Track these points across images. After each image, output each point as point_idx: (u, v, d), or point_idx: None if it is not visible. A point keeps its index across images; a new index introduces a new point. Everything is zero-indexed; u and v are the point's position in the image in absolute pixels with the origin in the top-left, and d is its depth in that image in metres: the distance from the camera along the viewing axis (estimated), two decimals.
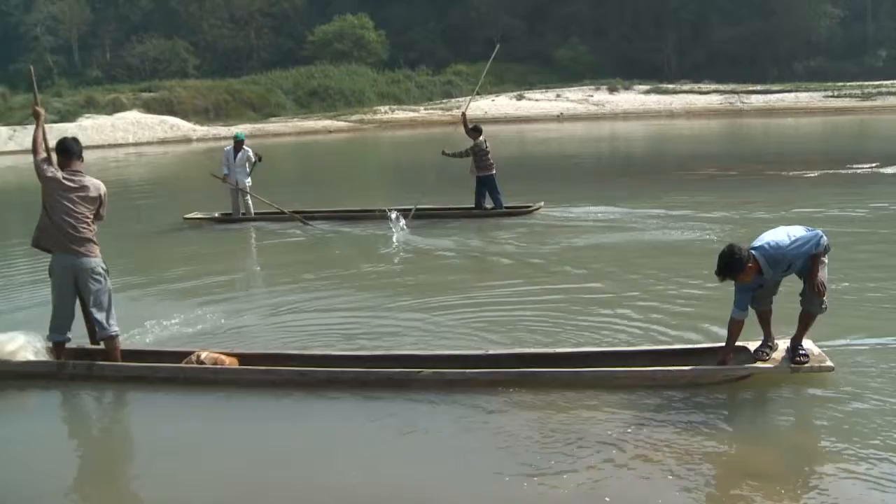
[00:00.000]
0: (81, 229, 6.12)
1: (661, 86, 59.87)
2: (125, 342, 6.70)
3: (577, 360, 5.89)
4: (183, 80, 64.58)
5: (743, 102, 54.06)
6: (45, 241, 6.24)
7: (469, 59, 68.65)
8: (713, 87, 57.99)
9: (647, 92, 59.03)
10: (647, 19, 68.37)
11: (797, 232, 5.51)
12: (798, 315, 5.71)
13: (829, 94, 53.47)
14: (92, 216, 6.25)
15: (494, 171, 13.75)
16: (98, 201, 6.29)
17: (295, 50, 69.86)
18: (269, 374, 5.87)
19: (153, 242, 13.99)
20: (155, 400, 6.00)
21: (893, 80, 54.00)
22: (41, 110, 6.51)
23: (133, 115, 56.54)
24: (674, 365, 5.68)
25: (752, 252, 5.40)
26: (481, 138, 13.72)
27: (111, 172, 31.01)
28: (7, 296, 9.23)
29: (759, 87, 56.29)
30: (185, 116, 56.68)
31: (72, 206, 6.10)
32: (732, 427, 5.16)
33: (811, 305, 5.58)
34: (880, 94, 51.94)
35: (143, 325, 7.82)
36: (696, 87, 58.93)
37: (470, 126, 13.99)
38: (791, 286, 5.85)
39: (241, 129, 16.33)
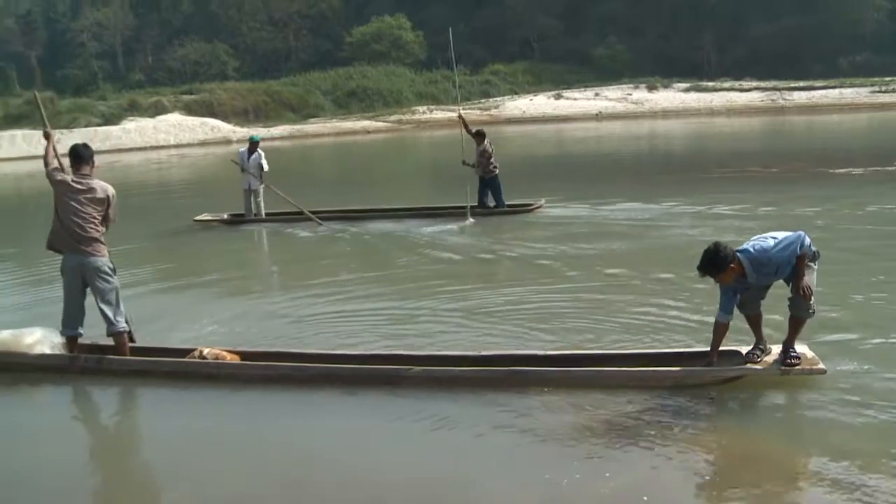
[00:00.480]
0: (89, 229, 6.36)
1: (700, 83, 59.14)
2: (171, 337, 6.93)
3: (570, 361, 5.91)
4: (223, 82, 65.41)
5: (785, 99, 53.19)
6: (57, 243, 6.49)
7: (506, 58, 68.71)
8: (754, 84, 57.12)
9: (687, 90, 58.38)
10: (685, 16, 67.55)
11: (781, 234, 5.42)
12: (787, 321, 5.65)
13: (876, 89, 51.84)
14: (100, 217, 6.47)
15: (497, 172, 14.02)
16: (105, 203, 6.49)
17: (333, 51, 70.27)
18: (266, 369, 6.05)
19: (189, 241, 14.22)
20: (159, 393, 6.20)
21: None
22: (51, 132, 6.76)
23: (174, 118, 57.34)
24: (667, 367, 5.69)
25: (738, 254, 5.31)
26: (486, 142, 13.97)
27: (154, 174, 31.47)
28: (30, 291, 9.62)
29: (801, 84, 55.20)
30: (225, 118, 57.32)
31: (79, 208, 6.35)
32: (723, 428, 5.11)
33: (798, 310, 5.49)
34: None
35: (189, 321, 8.19)
36: (736, 84, 58.11)
37: (473, 131, 14.28)
38: (783, 291, 5.73)
39: (257, 132, 16.56)
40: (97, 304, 6.46)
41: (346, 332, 7.54)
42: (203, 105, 59.08)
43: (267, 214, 14.88)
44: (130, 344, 6.65)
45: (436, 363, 5.95)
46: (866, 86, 53.11)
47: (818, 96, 52.56)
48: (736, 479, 4.55)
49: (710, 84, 58.91)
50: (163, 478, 5.06)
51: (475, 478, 4.70)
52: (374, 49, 67.55)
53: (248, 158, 14.68)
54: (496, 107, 57.01)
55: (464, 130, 14.41)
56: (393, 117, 55.21)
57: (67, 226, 6.36)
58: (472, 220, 13.55)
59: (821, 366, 5.45)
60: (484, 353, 6.09)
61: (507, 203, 14.13)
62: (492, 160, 13.88)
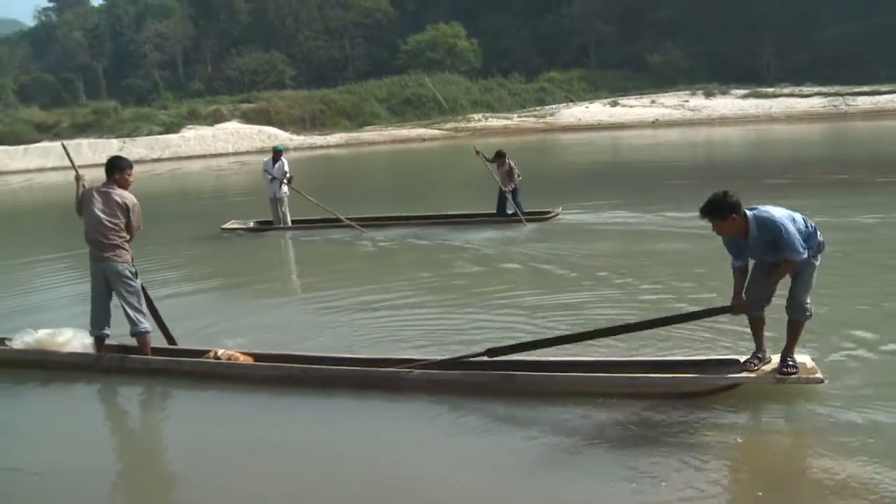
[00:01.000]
0: (110, 237, 6.70)
1: (759, 90, 57.98)
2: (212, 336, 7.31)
3: (565, 367, 5.93)
4: (280, 90, 66.34)
5: (848, 105, 51.81)
6: (89, 248, 6.87)
7: (562, 66, 68.39)
8: (815, 89, 55.76)
9: (745, 96, 57.36)
10: (744, 21, 66.40)
11: (798, 216, 5.30)
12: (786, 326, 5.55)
13: None
14: (122, 225, 6.77)
15: (515, 187, 14.17)
16: (126, 211, 6.77)
17: (389, 59, 70.70)
18: (274, 370, 6.30)
19: (231, 245, 14.53)
20: (177, 391, 6.54)
21: None
22: (80, 176, 6.98)
23: (232, 126, 58.32)
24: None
25: (746, 210, 5.20)
26: (507, 161, 14.14)
27: (213, 181, 31.95)
28: (66, 293, 10.04)
29: (866, 89, 53.82)
30: (282, 126, 58.09)
31: (101, 216, 6.70)
32: (713, 437, 5.01)
33: (795, 313, 5.41)
34: None
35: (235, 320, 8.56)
36: (796, 90, 56.80)
37: (490, 158, 14.42)
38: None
39: (281, 141, 16.93)
40: (121, 306, 6.80)
41: (390, 332, 7.71)
42: (260, 113, 60.00)
43: (293, 221, 15.20)
44: (171, 346, 7.06)
45: (433, 367, 6.06)
46: None
47: (884, 101, 50.96)
48: (734, 489, 4.53)
49: (770, 90, 57.71)
50: (173, 471, 5.42)
51: (473, 484, 4.70)
52: (430, 57, 67.84)
53: (274, 167, 14.97)
54: (551, 114, 56.79)
55: (485, 163, 14.62)
56: (448, 125, 55.34)
57: (90, 234, 6.74)
58: (529, 225, 13.73)
59: (818, 375, 5.34)
60: (482, 358, 6.06)
61: (525, 210, 14.27)
62: (516, 179, 14.14)
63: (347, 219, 14.51)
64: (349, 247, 13.37)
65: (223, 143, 54.52)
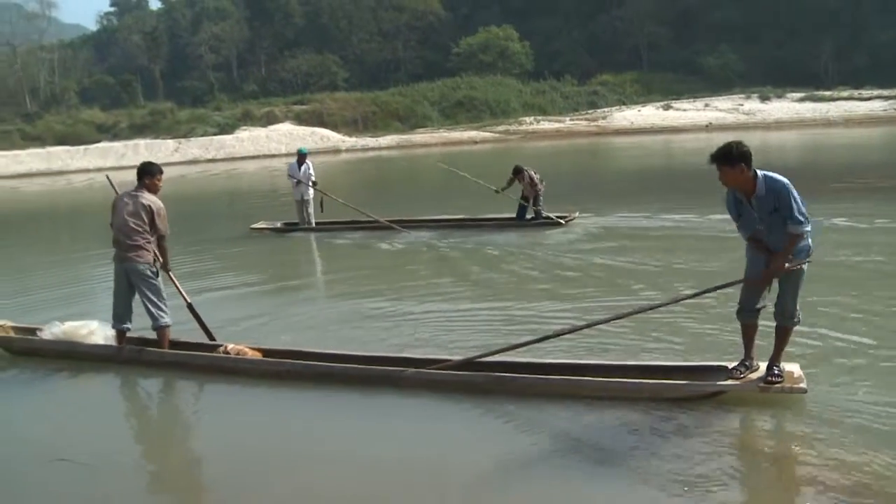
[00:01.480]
0: (135, 238, 7.04)
1: (816, 93, 56.89)
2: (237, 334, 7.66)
3: (554, 370, 5.98)
4: (332, 92, 67.03)
5: None
6: (114, 248, 7.23)
7: (614, 68, 67.98)
8: (876, 92, 54.60)
9: (802, 100, 56.38)
10: (802, 23, 65.25)
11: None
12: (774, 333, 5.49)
13: None
14: (146, 228, 7.09)
15: (534, 195, 14.34)
16: (150, 214, 7.08)
17: (440, 62, 70.98)
18: (277, 365, 6.58)
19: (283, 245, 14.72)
20: (189, 383, 6.89)
21: None
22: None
23: (286, 127, 59.00)
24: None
25: (758, 171, 5.10)
26: (526, 175, 14.29)
27: (268, 182, 32.27)
28: (95, 288, 10.33)
29: None
30: (334, 128, 58.63)
31: (126, 219, 7.06)
32: (690, 443, 4.98)
33: (783, 318, 5.34)
34: None
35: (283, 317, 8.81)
36: (855, 93, 55.67)
37: (510, 178, 14.59)
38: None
39: (304, 145, 17.21)
40: (142, 302, 7.12)
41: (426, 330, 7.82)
42: (313, 115, 60.63)
43: (318, 223, 15.45)
44: (209, 341, 7.34)
45: (427, 366, 6.21)
46: None
47: None
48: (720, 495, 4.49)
49: (827, 93, 56.65)
50: (179, 456, 5.73)
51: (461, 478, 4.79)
52: (482, 59, 67.99)
53: (299, 169, 15.13)
54: (604, 117, 56.45)
55: (506, 190, 14.84)
56: (500, 128, 55.33)
57: (115, 235, 7.13)
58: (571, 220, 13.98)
59: (802, 385, 5.29)
60: (476, 359, 6.17)
61: (544, 214, 14.41)
62: (538, 186, 14.32)
63: (386, 220, 14.67)
64: (373, 247, 13.50)
65: (276, 144, 55.15)
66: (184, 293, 7.51)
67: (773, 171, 5.17)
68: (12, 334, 7.76)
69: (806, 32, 64.23)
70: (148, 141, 59.15)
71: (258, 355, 6.81)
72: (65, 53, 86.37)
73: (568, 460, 4.88)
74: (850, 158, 27.28)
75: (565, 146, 43.12)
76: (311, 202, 15.25)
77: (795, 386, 5.30)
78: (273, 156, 52.36)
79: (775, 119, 52.67)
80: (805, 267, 5.27)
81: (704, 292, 5.90)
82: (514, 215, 14.65)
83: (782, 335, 5.39)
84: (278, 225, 15.71)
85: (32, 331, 7.71)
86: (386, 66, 76.62)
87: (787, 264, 5.16)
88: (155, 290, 7.11)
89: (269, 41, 79.59)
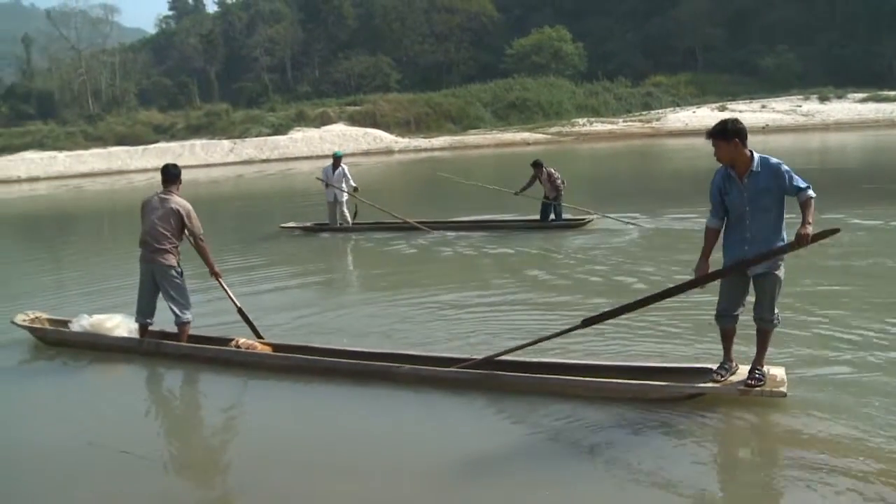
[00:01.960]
0: (161, 241, 7.40)
1: (880, 93, 55.39)
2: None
3: (555, 369, 6.12)
4: (385, 93, 67.39)
5: None
6: (140, 248, 7.58)
7: (668, 70, 67.22)
8: None
9: (864, 100, 55.02)
10: (864, 21, 63.68)
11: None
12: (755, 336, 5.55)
13: None
14: (173, 231, 7.45)
15: (555, 195, 14.43)
16: (178, 217, 7.43)
17: (493, 63, 70.94)
18: (282, 359, 6.93)
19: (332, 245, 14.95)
20: (201, 375, 7.25)
21: None
22: None
23: (339, 128, 59.51)
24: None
25: (754, 151, 5.22)
26: (544, 170, 14.45)
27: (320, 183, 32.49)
28: (124, 284, 10.47)
29: None
30: (387, 129, 58.96)
31: (155, 222, 7.42)
32: (683, 440, 5.06)
33: (762, 321, 5.38)
34: None
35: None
36: None
37: (532, 175, 14.70)
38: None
39: (340, 148, 17.56)
40: (166, 300, 7.51)
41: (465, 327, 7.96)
42: (366, 116, 61.02)
43: (354, 223, 15.72)
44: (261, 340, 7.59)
45: (424, 363, 6.46)
46: None
47: None
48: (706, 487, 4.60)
49: (892, 93, 55.19)
50: (187, 440, 6.05)
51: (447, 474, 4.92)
52: (534, 61, 67.76)
53: (333, 173, 15.42)
54: (657, 119, 55.85)
55: (525, 191, 14.94)
56: (553, 129, 55.10)
57: (143, 237, 7.47)
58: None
59: (781, 389, 5.31)
60: (465, 356, 6.44)
61: (563, 217, 14.57)
62: (559, 184, 14.39)
63: (417, 222, 14.92)
64: (401, 246, 13.69)
65: (329, 145, 55.49)
66: (233, 297, 7.82)
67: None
68: (46, 326, 8.31)
69: (868, 31, 62.69)
70: (204, 141, 60.13)
71: (268, 350, 7.17)
72: (125, 57, 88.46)
73: (552, 456, 5.04)
74: None
75: (620, 148, 42.74)
76: (345, 203, 15.54)
77: (775, 390, 5.33)
78: (326, 156, 52.64)
79: (835, 120, 51.50)
80: (782, 273, 5.31)
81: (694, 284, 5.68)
82: (538, 217, 14.73)
83: (762, 338, 5.45)
84: (308, 224, 16.05)
85: (64, 323, 8.23)
86: (438, 67, 76.78)
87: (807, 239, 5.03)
88: (178, 288, 7.49)
89: (323, 43, 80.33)
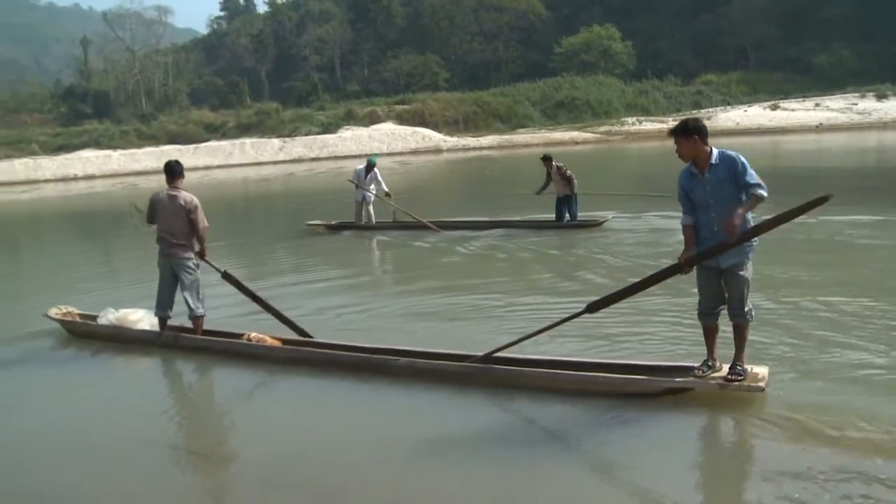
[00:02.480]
0: (178, 236, 7.79)
1: None
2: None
3: (543, 364, 6.29)
4: (434, 92, 67.55)
5: None
6: (158, 245, 7.97)
7: (719, 68, 66.29)
8: None
9: None
10: None
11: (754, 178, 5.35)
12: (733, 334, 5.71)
13: None
14: (186, 226, 7.79)
15: (569, 193, 14.56)
16: (186, 212, 7.76)
17: (542, 62, 70.69)
18: (288, 352, 7.30)
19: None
20: (217, 365, 7.59)
21: None
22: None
23: (388, 127, 59.81)
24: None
25: (714, 148, 5.47)
26: (554, 163, 14.53)
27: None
28: (143, 279, 10.71)
29: None
30: (435, 127, 59.13)
31: (170, 218, 7.78)
32: (641, 441, 5.16)
33: (734, 316, 5.56)
34: None
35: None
36: None
37: (541, 159, 14.96)
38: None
39: (373, 155, 18.34)
40: (181, 292, 7.86)
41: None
42: (415, 115, 61.26)
43: (378, 222, 16.28)
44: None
45: (419, 357, 6.72)
46: None
47: None
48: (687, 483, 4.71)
49: None
50: (198, 426, 6.46)
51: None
52: (583, 59, 67.37)
53: (366, 177, 16.03)
54: (708, 118, 54.89)
55: (545, 190, 15.09)
56: (602, 128, 54.76)
57: (161, 233, 7.85)
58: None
59: (759, 384, 5.42)
60: (456, 352, 6.67)
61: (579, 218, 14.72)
62: (573, 180, 14.49)
63: (430, 222, 15.39)
64: (433, 247, 13.93)
65: (378, 144, 55.90)
66: (215, 266, 8.28)
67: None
68: (77, 319, 8.86)
69: None
70: (254, 140, 60.90)
71: (277, 343, 7.51)
72: (178, 57, 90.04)
73: (525, 447, 5.24)
74: None
75: (670, 147, 42.23)
76: (372, 203, 16.12)
77: (753, 384, 5.43)
78: (376, 154, 52.99)
79: (893, 119, 50.36)
80: (750, 268, 5.47)
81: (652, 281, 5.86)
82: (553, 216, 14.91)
83: (738, 333, 5.60)
84: (332, 222, 16.58)
85: (93, 317, 8.75)
86: (487, 66, 76.75)
87: (734, 239, 5.26)
88: (195, 282, 7.87)
89: (372, 42, 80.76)
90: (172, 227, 7.75)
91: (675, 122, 5.83)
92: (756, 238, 5.40)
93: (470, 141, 55.15)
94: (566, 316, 6.12)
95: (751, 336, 5.78)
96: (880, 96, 55.13)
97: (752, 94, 61.34)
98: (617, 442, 5.13)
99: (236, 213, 25.34)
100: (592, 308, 5.84)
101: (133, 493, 5.01)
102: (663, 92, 64.03)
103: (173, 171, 7.94)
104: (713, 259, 5.43)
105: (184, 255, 7.80)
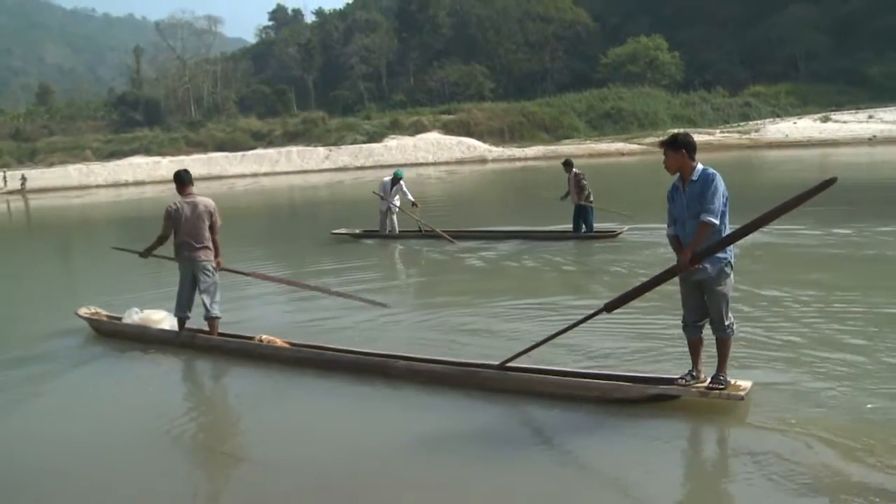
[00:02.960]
0: (201, 239, 8.10)
1: None
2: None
3: (533, 370, 6.42)
4: (479, 102, 67.71)
5: None
6: (179, 251, 8.19)
7: (768, 79, 65.51)
8: None
9: None
10: None
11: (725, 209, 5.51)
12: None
13: None
14: (208, 227, 8.13)
15: (584, 204, 14.59)
16: (210, 215, 8.12)
17: (588, 72, 70.54)
18: (293, 352, 7.61)
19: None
20: (231, 365, 7.87)
21: None
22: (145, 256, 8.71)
23: (433, 136, 60.08)
24: None
25: (700, 164, 5.56)
26: (573, 170, 14.65)
27: (418, 189, 32.81)
28: (169, 281, 10.74)
29: None
30: (480, 137, 59.24)
31: (193, 222, 8.07)
32: (618, 446, 5.23)
33: (716, 330, 5.66)
34: None
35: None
36: None
37: (562, 164, 15.26)
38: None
39: (401, 168, 18.60)
40: (199, 294, 8.17)
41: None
42: (460, 124, 61.47)
43: (401, 231, 16.51)
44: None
45: (420, 362, 6.90)
46: None
47: None
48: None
49: None
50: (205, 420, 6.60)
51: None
52: (630, 70, 67.11)
53: (391, 189, 16.32)
54: (756, 130, 54.45)
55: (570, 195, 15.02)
56: (648, 140, 54.27)
57: (184, 238, 8.07)
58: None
59: (738, 393, 5.53)
60: (460, 359, 6.85)
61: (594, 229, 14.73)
62: (585, 190, 14.48)
63: (444, 231, 15.48)
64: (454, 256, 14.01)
65: (424, 153, 56.20)
66: (233, 269, 8.78)
67: None
68: (103, 319, 9.26)
69: None
70: (300, 148, 61.60)
71: (285, 345, 7.80)
72: (227, 66, 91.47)
73: (505, 449, 5.29)
74: None
75: (719, 159, 41.84)
76: (395, 214, 16.47)
77: (732, 393, 5.54)
78: (420, 164, 53.29)
79: None
80: (730, 280, 5.58)
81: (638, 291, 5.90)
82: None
83: (720, 347, 5.70)
84: (357, 231, 16.92)
85: (118, 317, 9.16)
86: (533, 76, 76.77)
87: (694, 265, 5.40)
88: (213, 285, 8.17)
89: (418, 52, 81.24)
90: (196, 232, 8.06)
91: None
92: (731, 255, 5.54)
93: (515, 151, 55.15)
94: (584, 316, 6.15)
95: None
96: None
97: (802, 106, 60.57)
98: (603, 444, 5.27)
99: (280, 218, 25.61)
100: (609, 307, 5.89)
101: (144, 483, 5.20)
102: (711, 103, 63.50)
103: (185, 179, 8.23)
104: (687, 273, 5.55)
105: (205, 258, 8.10)
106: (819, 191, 4.88)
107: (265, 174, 55.89)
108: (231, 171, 57.53)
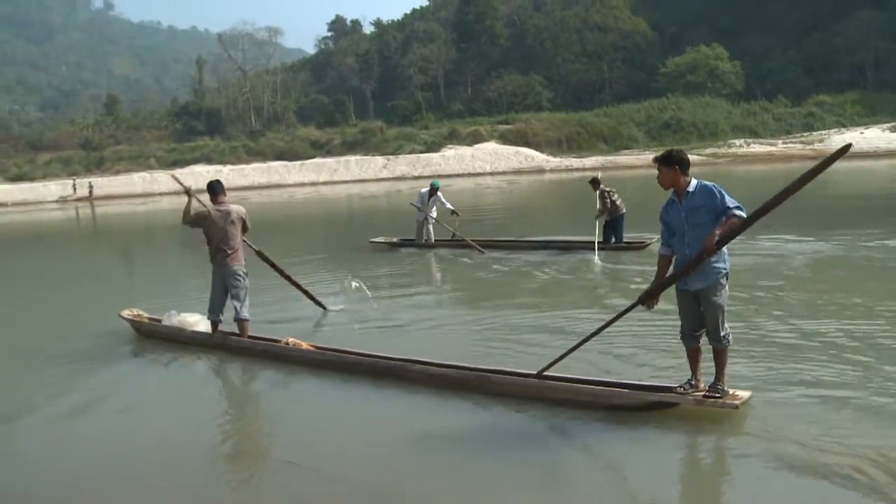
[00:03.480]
0: (233, 244, 8.54)
1: None
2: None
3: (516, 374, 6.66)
4: (537, 112, 67.64)
5: None
6: (214, 257, 8.62)
7: (833, 88, 63.94)
8: None
9: None
10: None
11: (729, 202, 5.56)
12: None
13: None
14: (239, 232, 8.62)
15: (621, 213, 14.79)
16: (242, 221, 8.64)
17: (647, 82, 69.92)
18: (318, 355, 7.92)
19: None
20: (257, 367, 8.23)
21: None
22: (192, 194, 8.76)
23: (490, 146, 60.16)
24: None
25: (694, 178, 5.75)
26: (601, 187, 14.74)
27: (473, 199, 32.96)
28: (203, 284, 11.14)
29: None
30: (538, 148, 59.15)
31: (226, 229, 8.49)
32: (609, 452, 5.38)
33: (712, 341, 5.81)
34: None
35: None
36: None
37: (589, 182, 15.12)
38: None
39: (437, 179, 19.05)
40: (231, 299, 8.61)
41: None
42: (518, 135, 61.47)
43: (437, 240, 16.85)
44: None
45: (435, 367, 7.12)
46: None
47: None
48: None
49: None
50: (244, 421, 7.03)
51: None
52: (689, 80, 66.29)
53: (428, 200, 16.71)
54: (820, 141, 53.27)
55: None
56: (708, 150, 53.55)
57: (217, 244, 8.49)
58: (598, 259, 13.81)
59: (734, 402, 5.64)
60: (465, 365, 7.01)
61: (624, 240, 14.90)
62: (616, 202, 14.69)
63: (473, 241, 15.77)
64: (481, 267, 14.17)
65: (481, 163, 56.30)
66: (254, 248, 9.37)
67: None
68: (144, 320, 9.83)
69: None
70: (358, 157, 62.22)
71: (311, 348, 8.14)
72: (286, 76, 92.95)
73: (508, 454, 5.43)
74: None
75: (781, 170, 41.12)
76: (431, 223, 16.87)
77: (727, 402, 5.66)
78: (478, 174, 53.40)
79: None
80: (726, 291, 5.75)
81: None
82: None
83: (717, 357, 5.86)
84: (395, 240, 17.38)
85: (158, 319, 9.69)
86: (591, 86, 76.38)
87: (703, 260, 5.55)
88: (243, 290, 8.61)
89: (476, 62, 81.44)
90: (229, 238, 8.48)
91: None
92: (727, 266, 5.70)
93: (573, 161, 54.90)
94: (622, 311, 6.23)
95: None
96: None
97: (869, 116, 59.05)
98: (603, 448, 5.44)
99: (336, 226, 25.92)
100: (643, 299, 5.97)
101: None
102: (772, 113, 62.35)
103: (217, 189, 8.63)
104: (683, 283, 5.77)
105: (235, 265, 8.52)
106: (835, 159, 5.11)
107: (324, 183, 56.55)
108: (290, 180, 58.37)
